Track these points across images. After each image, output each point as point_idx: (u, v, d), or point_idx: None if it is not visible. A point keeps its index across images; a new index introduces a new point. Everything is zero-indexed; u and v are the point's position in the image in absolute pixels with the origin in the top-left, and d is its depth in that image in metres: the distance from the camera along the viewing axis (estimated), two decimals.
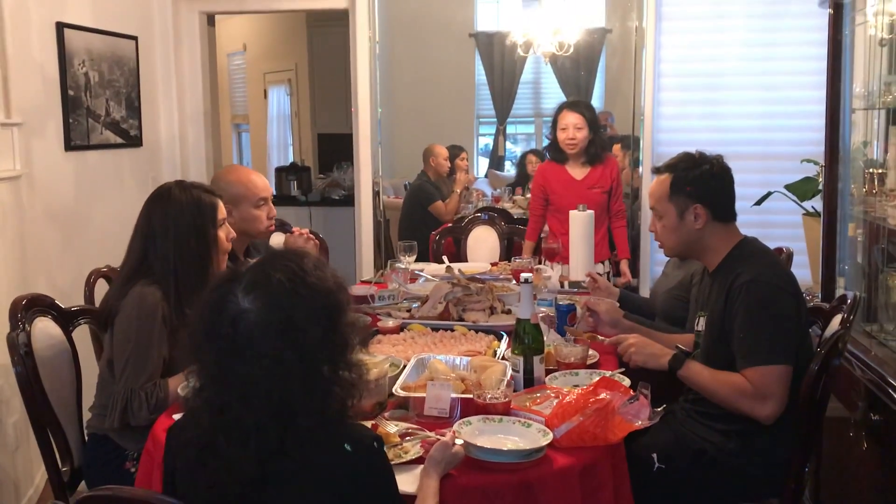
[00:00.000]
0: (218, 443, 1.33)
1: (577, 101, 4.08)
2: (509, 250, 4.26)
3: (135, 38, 4.30)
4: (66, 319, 2.42)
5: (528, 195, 6.60)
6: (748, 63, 4.21)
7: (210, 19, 4.94)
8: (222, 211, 2.39)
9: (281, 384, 1.33)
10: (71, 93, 3.80)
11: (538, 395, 2.03)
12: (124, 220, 4.17)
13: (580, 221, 3.48)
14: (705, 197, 2.23)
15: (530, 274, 2.14)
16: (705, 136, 4.23)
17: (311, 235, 2.96)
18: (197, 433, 1.36)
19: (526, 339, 2.11)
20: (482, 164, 9.34)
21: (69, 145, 3.81)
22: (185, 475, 1.44)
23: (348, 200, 7.58)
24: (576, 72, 8.28)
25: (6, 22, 3.37)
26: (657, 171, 2.36)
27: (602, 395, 1.82)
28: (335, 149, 8.73)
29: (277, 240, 3.20)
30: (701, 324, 2.28)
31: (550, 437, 1.76)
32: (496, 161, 9.44)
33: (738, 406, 2.09)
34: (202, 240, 2.30)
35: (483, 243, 4.26)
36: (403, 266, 3.45)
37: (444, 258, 3.69)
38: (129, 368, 2.18)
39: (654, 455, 2.16)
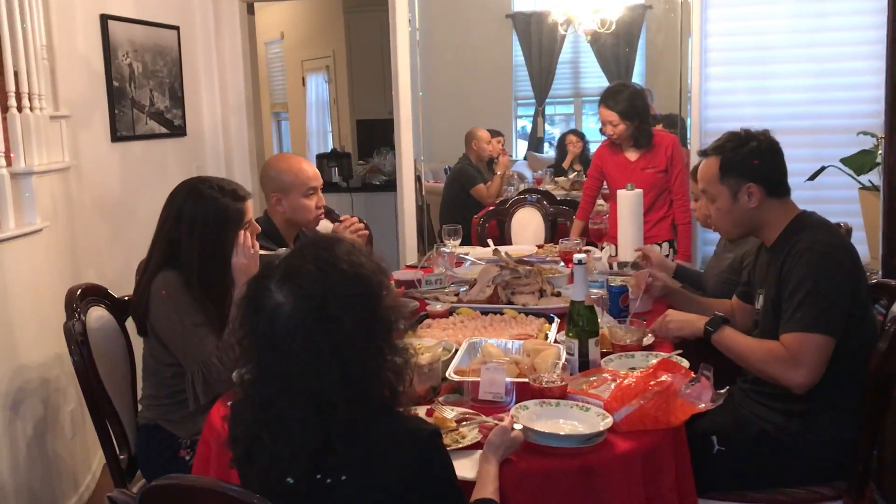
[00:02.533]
0: (263, 439, 1.31)
1: (611, 93, 3.95)
2: (554, 232, 4.20)
3: (176, 28, 4.31)
4: (119, 309, 2.44)
5: (571, 176, 6.56)
6: (798, 35, 4.08)
7: (249, 7, 4.94)
8: (249, 213, 2.37)
9: (318, 377, 1.30)
10: (116, 84, 3.83)
11: (594, 378, 1.99)
12: None
13: (628, 201, 3.41)
14: (757, 174, 2.17)
15: (584, 255, 2.10)
16: (754, 112, 4.13)
17: (360, 225, 2.93)
18: (242, 429, 1.35)
19: (580, 321, 2.06)
20: (521, 147, 9.27)
21: (115, 136, 3.84)
22: (237, 465, 1.44)
23: (389, 186, 7.57)
24: (615, 50, 8.16)
25: (52, 16, 3.41)
26: (704, 154, 2.30)
27: (663, 378, 1.77)
28: (374, 134, 8.73)
29: (325, 227, 3.19)
30: (760, 301, 2.22)
31: (610, 420, 1.73)
32: (535, 143, 9.35)
33: (770, 371, 2.05)
34: (225, 247, 2.29)
35: (527, 226, 4.21)
36: (449, 250, 3.43)
37: (490, 241, 3.65)
38: (188, 348, 2.20)
39: (714, 437, 2.11)
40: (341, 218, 3.00)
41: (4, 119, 2.95)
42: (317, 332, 1.29)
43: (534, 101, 9.29)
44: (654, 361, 2.09)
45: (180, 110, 4.36)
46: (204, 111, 4.62)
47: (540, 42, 8.82)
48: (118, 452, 2.29)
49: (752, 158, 2.17)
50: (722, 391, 1.80)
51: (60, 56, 3.48)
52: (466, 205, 5.85)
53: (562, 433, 1.71)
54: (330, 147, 9.11)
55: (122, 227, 3.90)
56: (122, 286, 3.69)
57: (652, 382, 1.76)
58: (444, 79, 7.55)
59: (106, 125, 3.80)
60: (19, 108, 3.04)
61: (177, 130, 4.34)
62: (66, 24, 3.53)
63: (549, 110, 9.50)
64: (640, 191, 3.42)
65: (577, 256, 2.08)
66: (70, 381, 3.31)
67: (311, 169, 2.88)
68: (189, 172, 4.47)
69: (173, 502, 1.17)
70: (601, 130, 4.01)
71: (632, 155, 3.96)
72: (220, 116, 4.70)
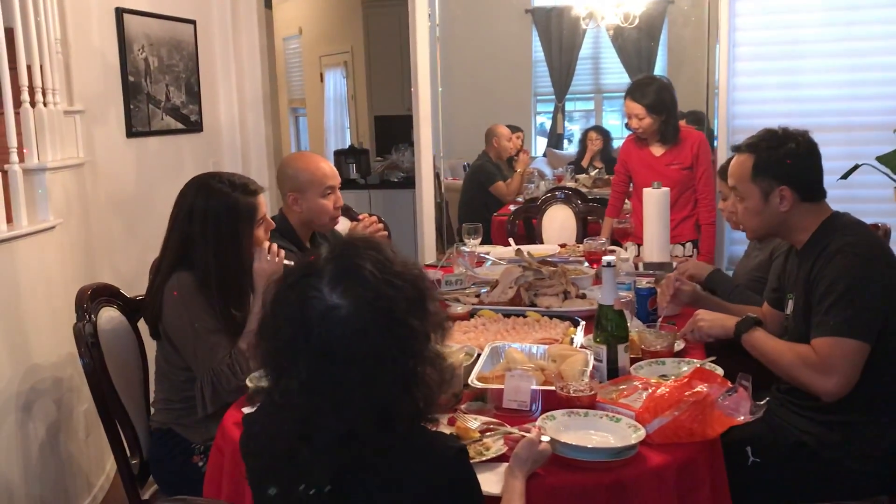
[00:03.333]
0: (299, 452, 1.23)
1: (639, 85, 3.86)
2: (584, 230, 4.10)
3: (193, 22, 4.25)
4: (132, 309, 2.37)
5: (592, 173, 6.45)
6: (830, 28, 3.95)
7: (267, 2, 4.87)
8: (262, 209, 2.30)
9: (381, 386, 1.21)
10: (131, 79, 3.76)
11: (623, 386, 1.90)
12: None
13: (655, 199, 3.31)
14: (792, 178, 2.06)
15: (613, 258, 2.00)
16: (783, 108, 4.01)
17: (380, 225, 2.85)
18: (273, 442, 1.26)
19: (609, 326, 1.97)
20: (539, 144, 9.16)
21: (130, 132, 3.78)
22: (254, 476, 1.36)
23: (407, 183, 7.49)
24: (637, 45, 8.04)
25: (67, 9, 3.35)
26: (737, 149, 2.19)
27: (698, 388, 1.68)
28: (392, 131, 8.66)
29: (342, 227, 3.11)
30: (790, 307, 2.12)
31: (643, 433, 1.64)
32: (554, 139, 9.24)
33: (799, 376, 1.96)
34: (239, 243, 2.23)
35: (559, 224, 4.11)
36: (469, 249, 3.34)
37: (511, 240, 3.56)
38: (199, 353, 2.14)
39: (748, 448, 2.02)
40: (359, 217, 2.92)
41: (17, 114, 2.89)
42: (383, 336, 1.21)
43: (553, 97, 9.19)
44: (687, 369, 2.00)
45: (197, 105, 4.30)
46: (221, 107, 4.56)
47: (560, 37, 8.71)
48: (129, 457, 2.22)
49: (788, 160, 2.06)
50: (762, 403, 1.71)
51: (75, 50, 3.42)
52: (486, 202, 5.76)
53: (591, 446, 1.62)
54: (348, 143, 9.05)
55: (138, 225, 3.84)
56: (137, 284, 3.62)
57: (687, 393, 1.67)
58: (463, 74, 7.45)
59: (121, 120, 3.74)
60: (32, 103, 2.98)
61: (193, 126, 4.28)
62: (81, 18, 3.47)
63: (569, 106, 9.38)
64: (666, 189, 3.33)
65: (605, 258, 2.00)
66: (83, 381, 3.24)
67: (328, 168, 2.80)
68: (205, 168, 4.40)
69: None
70: (626, 125, 3.92)
71: (657, 150, 3.86)
72: (237, 112, 4.63)
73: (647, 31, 7.72)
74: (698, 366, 1.88)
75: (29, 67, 2.95)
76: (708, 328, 2.16)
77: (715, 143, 4.21)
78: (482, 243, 3.50)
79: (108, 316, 2.27)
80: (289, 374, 1.25)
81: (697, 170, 3.80)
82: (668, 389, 1.72)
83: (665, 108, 3.79)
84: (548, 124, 9.45)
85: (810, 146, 2.10)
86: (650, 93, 3.77)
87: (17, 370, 2.78)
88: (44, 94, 3.02)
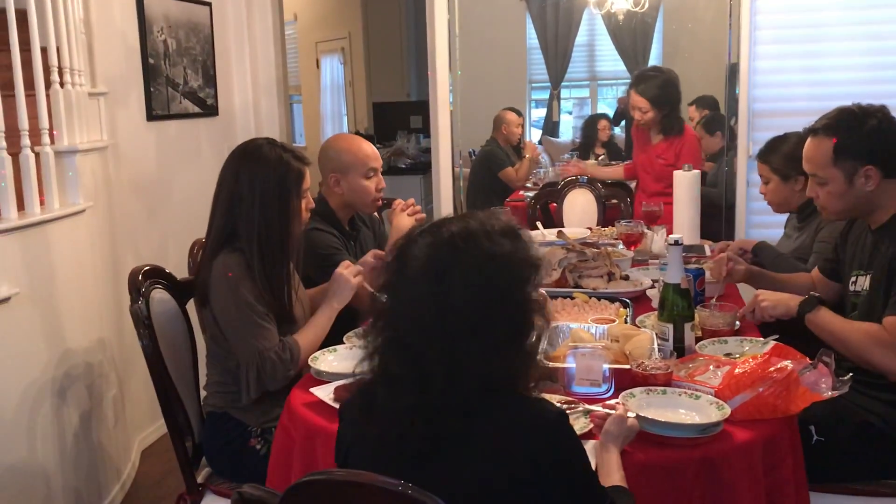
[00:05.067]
0: (413, 425, 1.21)
1: (643, 78, 3.95)
2: (604, 215, 4.09)
3: (209, 4, 4.19)
4: (179, 290, 2.33)
5: (598, 159, 6.45)
6: (853, 11, 3.94)
7: None
8: (308, 180, 2.27)
9: (490, 354, 1.23)
10: (151, 61, 3.71)
11: (692, 364, 1.89)
12: (202, 192, 4.11)
13: (686, 182, 3.32)
14: (876, 156, 2.03)
15: (680, 236, 1.99)
16: (805, 91, 4.01)
17: (418, 207, 2.82)
18: (385, 417, 1.25)
19: (676, 304, 1.97)
20: (535, 131, 9.15)
21: (150, 115, 3.73)
22: (359, 451, 1.34)
23: (414, 169, 7.45)
24: (632, 32, 8.05)
25: None
26: (813, 133, 2.14)
27: (781, 364, 1.67)
28: (392, 117, 8.60)
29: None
30: (860, 284, 2.11)
31: (727, 409, 1.63)
32: (550, 127, 9.23)
33: (869, 356, 1.96)
34: (284, 207, 2.18)
35: (576, 207, 4.10)
36: None
37: (539, 224, 3.55)
38: (246, 336, 2.10)
39: (812, 427, 2.01)
40: (395, 201, 2.86)
41: (33, 96, 2.78)
42: (498, 306, 1.26)
43: (549, 84, 9.17)
44: (749, 348, 2.01)
45: (213, 89, 4.24)
46: (235, 91, 4.50)
47: (556, 23, 8.66)
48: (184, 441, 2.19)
49: (871, 139, 2.03)
50: (845, 378, 1.71)
51: (97, 31, 3.36)
52: (494, 188, 5.75)
53: (680, 422, 1.61)
54: (346, 130, 8.99)
55: (158, 209, 3.79)
56: None
57: (771, 369, 1.67)
58: (461, 61, 7.40)
59: (141, 103, 3.68)
60: (61, 84, 2.92)
61: (209, 110, 4.22)
62: None
63: (564, 93, 9.36)
64: (697, 172, 3.34)
65: (672, 237, 1.99)
66: (111, 367, 3.22)
67: (371, 149, 2.77)
68: (221, 153, 4.34)
69: (325, 500, 1.07)
70: (631, 113, 4.01)
71: (654, 138, 3.99)
72: (251, 97, 4.57)
73: (641, 17, 7.76)
74: (774, 342, 1.88)
75: (57, 49, 2.89)
76: (771, 308, 2.14)
77: (734, 127, 4.20)
78: None
79: (159, 297, 2.23)
80: (402, 344, 1.25)
81: (677, 167, 3.89)
82: (748, 366, 1.71)
83: (668, 102, 3.88)
84: (544, 111, 9.43)
85: (891, 121, 2.07)
86: (654, 86, 3.84)
87: (53, 356, 2.74)
88: (71, 76, 2.97)
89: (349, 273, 2.27)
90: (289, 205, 2.19)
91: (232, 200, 2.17)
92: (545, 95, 9.39)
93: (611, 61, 8.50)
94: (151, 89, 3.71)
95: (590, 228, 3.60)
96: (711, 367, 1.83)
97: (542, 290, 1.38)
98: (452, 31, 4.54)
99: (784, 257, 2.74)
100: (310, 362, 2.04)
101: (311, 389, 1.89)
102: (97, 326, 3.10)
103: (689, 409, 1.68)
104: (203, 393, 2.30)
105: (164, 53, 3.82)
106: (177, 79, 3.91)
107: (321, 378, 1.99)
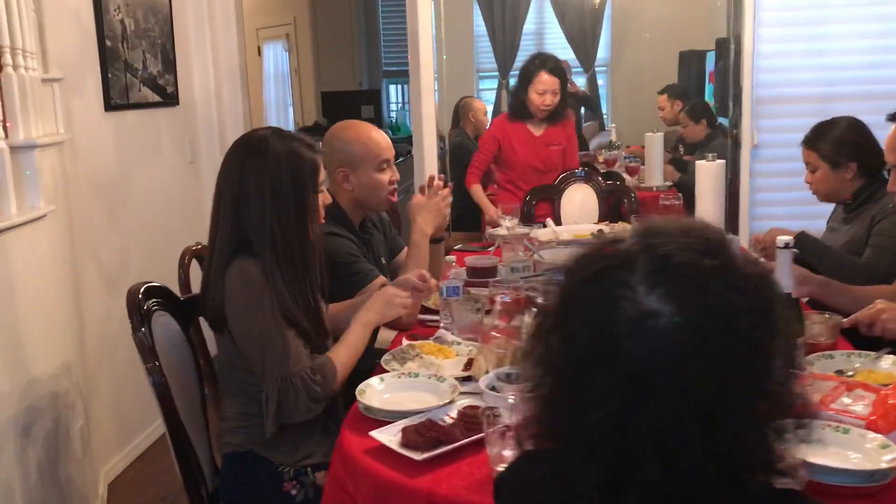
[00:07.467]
0: None
1: (552, 60, 3.89)
2: (604, 210, 3.85)
3: None
4: (183, 313, 1.96)
5: None
6: None
7: None
8: (323, 172, 1.94)
9: (723, 426, 0.86)
10: (108, 43, 3.27)
11: (810, 385, 1.63)
12: (163, 191, 3.71)
13: (709, 172, 3.09)
14: None
15: (790, 238, 1.73)
16: (810, 76, 3.84)
17: (447, 190, 2.46)
18: (566, 493, 0.92)
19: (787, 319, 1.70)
20: None
21: (109, 104, 3.29)
22: None
23: None
24: (581, 19, 7.91)
25: None
26: (894, 118, 1.95)
27: None
28: (342, 107, 8.20)
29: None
30: None
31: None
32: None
33: None
34: (301, 207, 1.85)
35: (573, 203, 3.84)
36: (503, 232, 3.05)
37: (550, 220, 3.28)
38: (268, 359, 1.76)
39: None
40: (416, 196, 2.50)
41: None
42: (720, 358, 0.85)
43: (497, 73, 8.95)
44: (860, 364, 1.76)
45: (172, 76, 3.81)
46: (195, 77, 4.08)
47: (503, 12, 8.47)
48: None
49: None
50: None
51: (48, 8, 2.92)
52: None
53: (842, 466, 1.34)
54: (291, 121, 8.55)
55: (119, 211, 3.36)
56: (121, 280, 3.18)
57: None
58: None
59: (99, 91, 3.24)
60: (14, 67, 2.49)
61: (169, 99, 3.80)
62: None
63: (513, 83, 9.14)
64: (722, 161, 3.13)
65: (782, 239, 1.72)
66: (77, 394, 2.80)
67: (382, 139, 2.42)
68: (181, 147, 3.94)
69: None
70: (528, 97, 3.86)
71: (536, 130, 3.94)
72: (212, 84, 4.15)
73: (591, 3, 7.68)
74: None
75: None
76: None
77: (740, 110, 4.00)
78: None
79: (162, 322, 1.85)
80: (584, 401, 0.91)
81: (570, 149, 3.99)
82: None
83: (564, 88, 3.89)
84: (493, 101, 9.20)
85: None
86: (563, 69, 3.87)
87: (16, 385, 2.33)
88: (23, 58, 2.53)
89: (400, 301, 1.96)
90: (305, 203, 1.86)
91: (238, 204, 1.82)
92: (493, 85, 9.16)
93: (560, 49, 8.34)
94: (109, 75, 3.28)
95: (604, 224, 3.34)
96: (842, 388, 1.58)
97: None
98: (438, 15, 4.20)
99: (833, 251, 2.51)
100: (358, 396, 1.70)
101: (371, 433, 1.56)
102: (61, 349, 2.68)
103: (843, 447, 1.41)
104: (221, 430, 1.93)
105: (122, 35, 3.38)
106: (135, 63, 3.48)
107: (371, 415, 1.67)
